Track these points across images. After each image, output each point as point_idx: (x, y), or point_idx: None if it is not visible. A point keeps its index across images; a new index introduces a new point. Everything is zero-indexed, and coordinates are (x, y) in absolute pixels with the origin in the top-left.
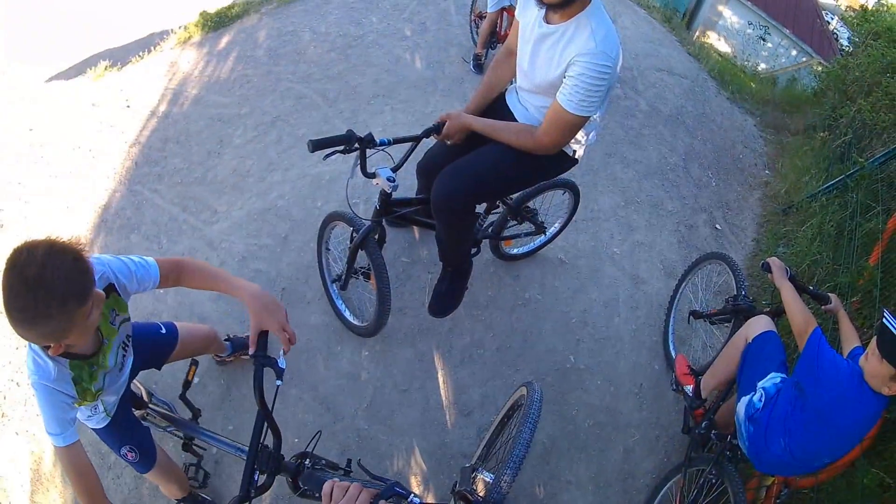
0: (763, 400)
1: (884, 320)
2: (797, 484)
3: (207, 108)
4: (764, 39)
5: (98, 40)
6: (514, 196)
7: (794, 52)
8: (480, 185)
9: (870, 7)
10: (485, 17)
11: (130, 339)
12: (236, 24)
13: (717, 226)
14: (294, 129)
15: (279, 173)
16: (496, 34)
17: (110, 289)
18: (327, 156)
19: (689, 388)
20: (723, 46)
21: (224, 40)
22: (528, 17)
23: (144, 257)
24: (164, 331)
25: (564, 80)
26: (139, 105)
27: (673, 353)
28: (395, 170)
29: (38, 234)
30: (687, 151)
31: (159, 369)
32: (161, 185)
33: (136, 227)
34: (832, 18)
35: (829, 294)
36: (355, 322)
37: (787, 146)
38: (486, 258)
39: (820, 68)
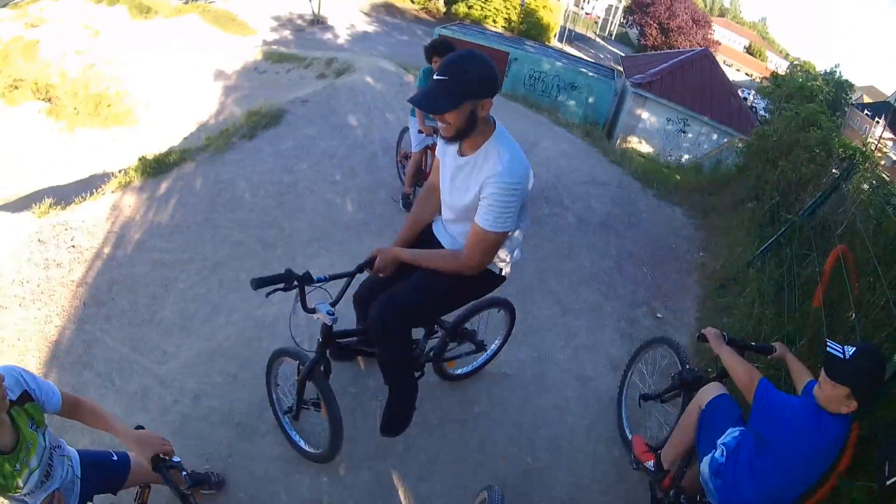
0: (725, 454)
1: (827, 348)
2: None
3: (150, 252)
4: (684, 131)
5: (41, 177)
6: (451, 319)
7: (714, 136)
8: (413, 308)
9: (780, 72)
10: (410, 157)
11: (58, 449)
12: (174, 171)
13: (659, 314)
14: (235, 273)
15: (224, 316)
16: (422, 172)
17: (26, 396)
18: (269, 293)
19: (650, 463)
20: (645, 148)
21: (163, 186)
22: (447, 155)
23: (54, 386)
24: (115, 458)
25: (480, 202)
26: (84, 245)
27: (629, 438)
28: (333, 304)
29: None
30: (619, 253)
31: (115, 494)
32: (110, 325)
33: (88, 365)
34: (749, 94)
35: (773, 344)
36: (310, 450)
37: (717, 225)
38: (431, 380)
39: (741, 144)
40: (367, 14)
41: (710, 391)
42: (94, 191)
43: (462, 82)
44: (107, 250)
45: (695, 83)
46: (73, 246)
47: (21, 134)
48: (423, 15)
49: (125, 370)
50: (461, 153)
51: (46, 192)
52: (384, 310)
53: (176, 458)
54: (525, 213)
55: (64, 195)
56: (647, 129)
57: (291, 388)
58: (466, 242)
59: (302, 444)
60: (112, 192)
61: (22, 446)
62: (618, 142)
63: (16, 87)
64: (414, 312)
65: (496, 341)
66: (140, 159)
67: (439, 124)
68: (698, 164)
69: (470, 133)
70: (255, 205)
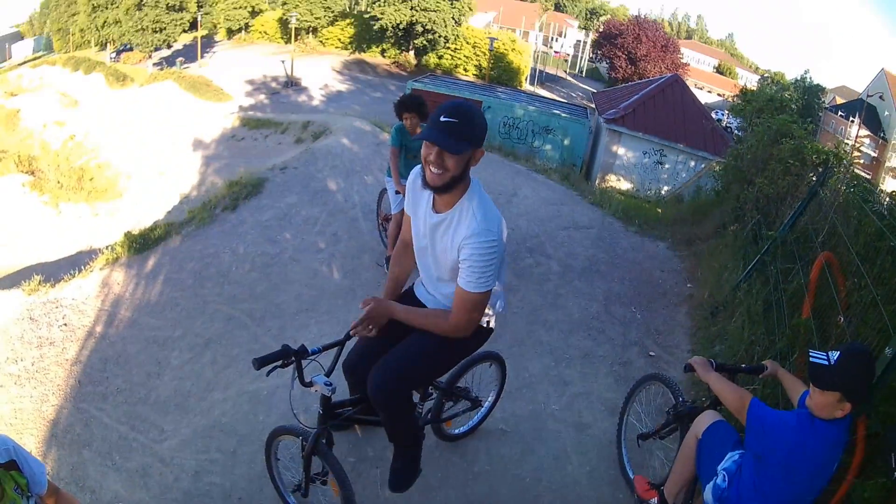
0: (727, 479)
1: (810, 358)
2: None
3: (142, 330)
4: (661, 163)
5: (27, 251)
6: (444, 379)
7: (692, 164)
8: (412, 371)
9: (751, 87)
10: (390, 218)
11: None
12: (160, 247)
13: (651, 353)
14: (227, 349)
15: (219, 392)
16: None
17: (13, 465)
18: (269, 372)
19: (654, 501)
20: (624, 185)
21: (150, 262)
22: (419, 212)
23: (44, 470)
24: None
25: (460, 264)
26: (76, 324)
27: (632, 479)
28: (328, 374)
29: None
30: (606, 296)
31: None
32: (106, 404)
33: (88, 444)
34: (722, 114)
35: (763, 363)
36: None
37: (702, 254)
38: (429, 443)
39: (718, 168)
40: (339, 72)
41: (706, 420)
42: (83, 267)
43: (471, 127)
44: (98, 329)
45: (667, 111)
46: (65, 324)
47: (6, 207)
48: (394, 69)
49: (124, 448)
50: (435, 209)
51: (35, 269)
52: (383, 379)
53: None
54: (503, 264)
55: (52, 272)
56: (625, 165)
57: (291, 464)
58: (453, 305)
59: None
60: (100, 269)
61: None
62: (597, 181)
63: None
64: (411, 376)
65: (491, 396)
66: (126, 235)
67: (431, 171)
68: (678, 194)
69: (458, 184)
70: (242, 278)
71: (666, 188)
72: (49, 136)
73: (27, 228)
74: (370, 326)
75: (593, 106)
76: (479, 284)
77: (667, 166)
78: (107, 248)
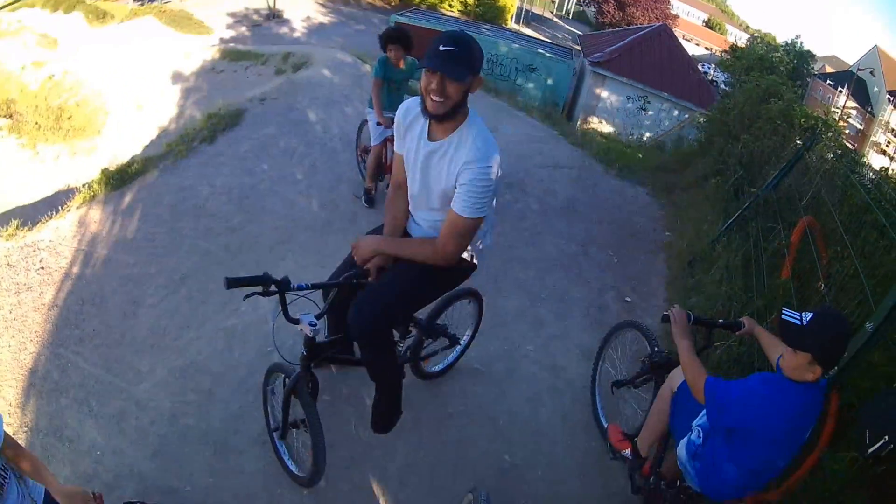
0: (701, 436)
1: (783, 316)
2: (766, 499)
3: (118, 268)
4: (645, 109)
5: (5, 196)
6: (423, 316)
7: (675, 113)
8: (392, 305)
9: (740, 44)
10: (370, 150)
11: (17, 477)
12: (137, 182)
13: (627, 298)
14: (203, 284)
15: (194, 330)
16: (383, 166)
17: None
18: (247, 296)
19: (628, 452)
20: (606, 128)
21: (127, 198)
22: (411, 144)
23: (1, 422)
24: None
25: (457, 189)
26: (53, 266)
27: (605, 426)
28: (318, 316)
29: None
30: (584, 238)
31: None
32: (83, 347)
33: (65, 391)
34: (709, 68)
35: (741, 319)
36: (297, 472)
37: (682, 203)
38: (405, 383)
39: (702, 119)
40: (322, 5)
41: (682, 373)
42: (60, 208)
43: (472, 53)
44: (75, 269)
45: (653, 59)
46: (42, 268)
47: None
48: (378, 2)
49: (101, 393)
50: (431, 138)
51: (13, 214)
52: (362, 315)
53: None
54: (493, 200)
55: (30, 215)
56: (608, 109)
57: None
58: (443, 230)
59: (290, 464)
60: (77, 208)
61: None
62: (579, 123)
63: None
64: (392, 310)
65: (467, 333)
66: (102, 171)
67: (432, 100)
68: (660, 141)
69: (457, 112)
70: (219, 210)
71: (648, 134)
72: (27, 77)
73: (4, 173)
74: (367, 268)
75: (579, 48)
76: (474, 210)
77: (650, 113)
78: (84, 186)
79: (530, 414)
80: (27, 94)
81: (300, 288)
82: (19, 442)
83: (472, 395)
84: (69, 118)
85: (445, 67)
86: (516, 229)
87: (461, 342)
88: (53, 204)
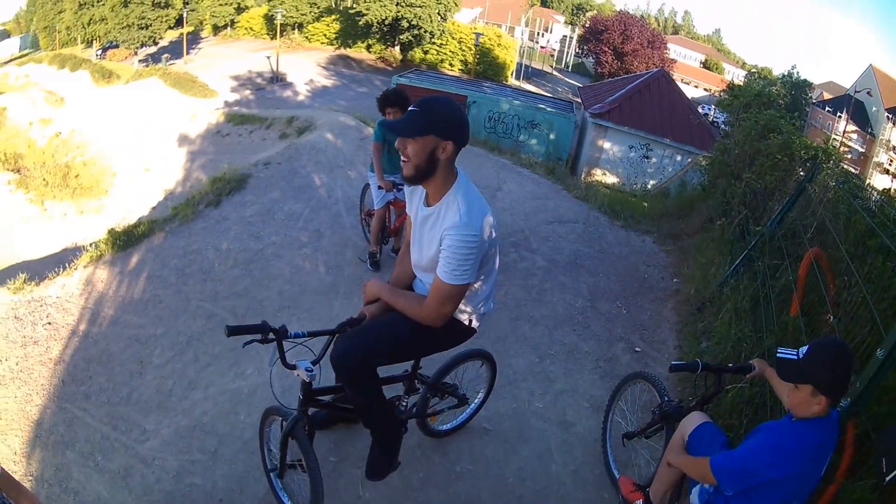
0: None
1: (778, 355)
2: None
3: (125, 328)
4: (647, 157)
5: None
6: (431, 374)
7: (678, 158)
8: (374, 346)
9: (738, 82)
10: (373, 214)
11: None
12: (144, 243)
13: (637, 348)
14: (208, 347)
15: (200, 391)
16: (386, 229)
17: None
18: (246, 343)
19: (639, 503)
20: (610, 179)
21: (134, 259)
22: (413, 208)
23: None
24: None
25: (440, 254)
26: (60, 322)
27: (618, 479)
28: (314, 363)
29: None
30: (592, 291)
31: None
32: (89, 404)
33: (71, 445)
34: (709, 109)
35: (751, 362)
36: None
37: (688, 248)
38: (412, 442)
39: (704, 162)
40: (324, 68)
41: (693, 420)
42: (67, 265)
43: (430, 115)
44: (82, 327)
45: (653, 105)
46: (49, 323)
47: None
48: (380, 64)
49: (107, 449)
50: (427, 203)
51: (20, 268)
52: (345, 345)
53: None
54: (492, 264)
55: (37, 270)
56: (611, 159)
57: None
58: (429, 294)
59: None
60: (84, 266)
61: None
62: (583, 175)
63: None
64: (373, 352)
65: (479, 394)
66: (109, 232)
67: (402, 161)
68: (664, 188)
69: (430, 176)
70: (225, 275)
71: (652, 182)
72: (35, 133)
73: (12, 227)
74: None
75: (579, 100)
76: (454, 276)
77: (653, 160)
78: (91, 245)
79: (540, 471)
80: (35, 150)
81: (297, 336)
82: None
83: (481, 453)
84: (76, 176)
85: (399, 129)
86: (523, 287)
87: (471, 403)
88: (61, 261)
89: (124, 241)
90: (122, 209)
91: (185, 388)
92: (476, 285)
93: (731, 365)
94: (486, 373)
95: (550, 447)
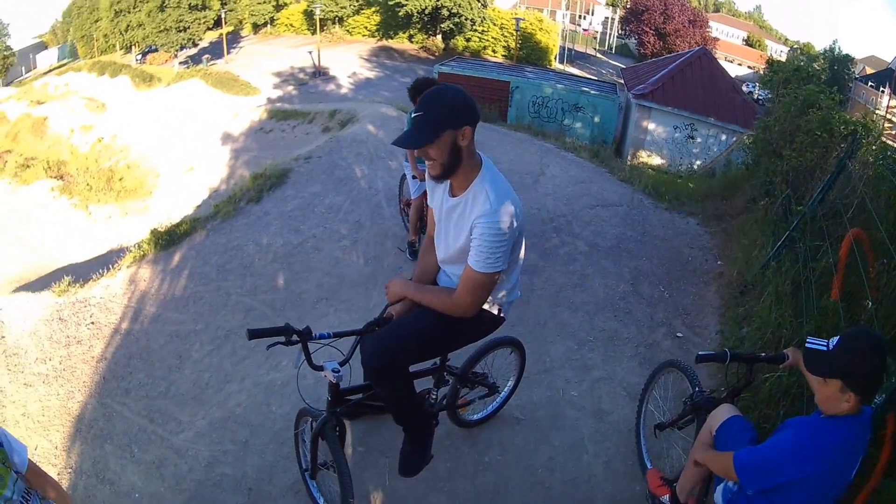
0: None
1: (807, 345)
2: None
3: (166, 325)
4: (692, 137)
5: (58, 254)
6: (459, 364)
7: (723, 137)
8: (403, 344)
9: (781, 58)
10: (411, 204)
11: (32, 494)
12: (185, 242)
13: (679, 334)
14: (246, 341)
15: (235, 383)
16: (424, 218)
17: None
18: (270, 346)
19: (666, 499)
20: (655, 160)
21: (176, 258)
22: (437, 199)
23: (26, 451)
24: None
25: (471, 243)
26: (103, 322)
27: (649, 467)
28: (342, 363)
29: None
30: (634, 275)
31: None
32: (128, 398)
33: (109, 438)
34: (753, 87)
35: (785, 351)
36: None
37: (732, 230)
38: (440, 433)
39: (748, 140)
40: (366, 60)
41: (721, 413)
42: (111, 266)
43: (437, 112)
44: (124, 325)
45: (696, 85)
46: (93, 322)
47: (36, 211)
48: (422, 54)
49: (143, 441)
50: (452, 193)
51: (65, 271)
52: (376, 346)
53: None
54: (518, 251)
55: (82, 272)
56: (656, 141)
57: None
58: (459, 284)
59: (321, 502)
60: (127, 266)
61: None
62: (628, 158)
63: (27, 167)
64: (404, 349)
65: (509, 382)
66: (152, 232)
67: (427, 164)
68: (710, 168)
69: (457, 168)
70: (264, 269)
71: (698, 163)
72: (77, 140)
73: (57, 232)
74: (389, 314)
75: (622, 82)
76: (486, 265)
77: (698, 140)
78: (134, 246)
79: (571, 461)
80: (77, 156)
81: (322, 337)
82: (63, 483)
83: (511, 444)
84: (120, 180)
85: (409, 142)
86: (564, 272)
87: (501, 391)
88: (105, 262)
89: (166, 240)
90: (166, 209)
91: (222, 380)
92: (506, 273)
93: (763, 354)
94: (516, 360)
95: (583, 437)
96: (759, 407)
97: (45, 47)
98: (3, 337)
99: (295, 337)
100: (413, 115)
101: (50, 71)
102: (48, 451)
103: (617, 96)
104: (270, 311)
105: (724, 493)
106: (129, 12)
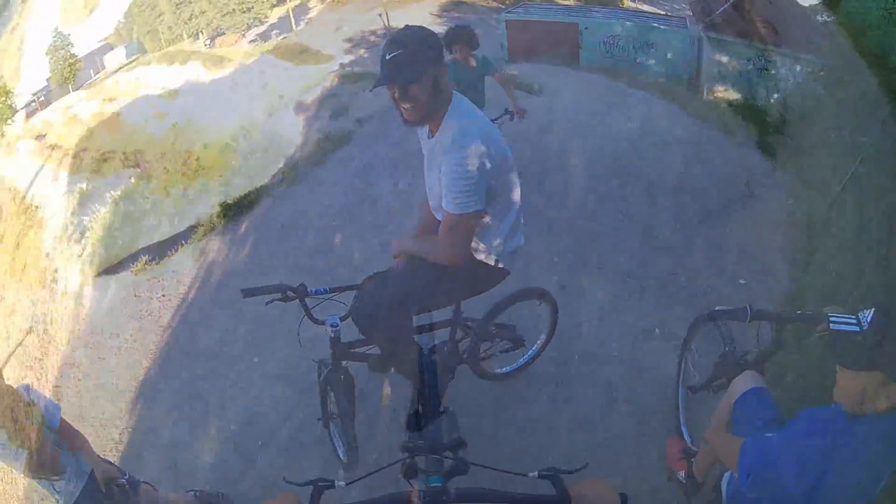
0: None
1: (831, 324)
2: None
3: (229, 291)
4: (767, 69)
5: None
6: (478, 317)
7: (798, 68)
8: (391, 296)
9: None
10: None
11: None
12: (253, 211)
13: (742, 280)
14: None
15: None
16: None
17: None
18: (267, 303)
19: (681, 475)
20: (732, 94)
21: (243, 227)
22: (422, 144)
23: (59, 409)
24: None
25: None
26: (173, 294)
27: (686, 434)
28: (343, 318)
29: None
30: (698, 217)
31: None
32: (187, 360)
33: (163, 399)
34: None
35: (825, 311)
36: (341, 458)
37: (806, 165)
38: (460, 388)
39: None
40: (437, 16)
41: (742, 384)
42: (184, 242)
43: (414, 51)
44: (192, 295)
45: (768, 14)
46: (164, 295)
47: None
48: (493, 3)
49: (193, 397)
50: (431, 135)
51: (144, 251)
52: (366, 296)
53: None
54: (507, 197)
55: (158, 251)
56: (730, 74)
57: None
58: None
59: (339, 449)
60: (198, 240)
61: None
62: (703, 93)
63: (105, 160)
64: (393, 303)
65: (541, 336)
66: (221, 205)
67: (404, 110)
68: (786, 100)
69: (439, 109)
70: (326, 228)
71: (775, 95)
72: (152, 128)
73: (137, 216)
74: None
75: (693, 15)
76: (455, 205)
77: (772, 72)
78: (206, 220)
79: (599, 421)
80: (153, 144)
81: (318, 293)
82: (120, 443)
83: (537, 400)
84: (197, 159)
85: (392, 78)
86: (619, 217)
87: (530, 346)
88: (180, 239)
89: (235, 211)
90: (243, 182)
91: (269, 339)
92: (486, 219)
93: (798, 313)
94: (547, 312)
95: (617, 396)
96: (773, 387)
97: (111, 48)
98: (85, 319)
99: (290, 293)
100: (387, 55)
101: (119, 69)
102: (114, 416)
103: (688, 30)
104: (327, 270)
105: (730, 484)
106: (190, 2)
